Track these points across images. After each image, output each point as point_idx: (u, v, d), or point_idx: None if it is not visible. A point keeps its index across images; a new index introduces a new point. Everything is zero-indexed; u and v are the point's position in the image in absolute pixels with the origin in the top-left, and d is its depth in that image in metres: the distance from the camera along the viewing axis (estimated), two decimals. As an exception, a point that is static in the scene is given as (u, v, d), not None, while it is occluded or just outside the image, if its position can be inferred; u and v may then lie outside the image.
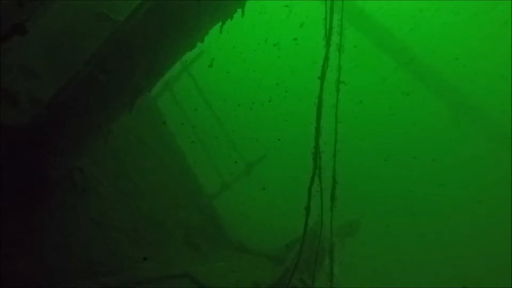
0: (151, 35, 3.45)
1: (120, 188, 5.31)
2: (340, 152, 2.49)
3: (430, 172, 19.13)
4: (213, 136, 7.82)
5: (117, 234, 4.81)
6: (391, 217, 15.50)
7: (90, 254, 4.31)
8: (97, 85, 3.62)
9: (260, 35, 21.55)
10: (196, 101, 7.54)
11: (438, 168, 19.01)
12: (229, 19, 3.33)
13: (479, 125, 12.50)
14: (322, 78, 2.41)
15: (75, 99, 3.70)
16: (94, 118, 3.86)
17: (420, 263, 13.77)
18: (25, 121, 4.07)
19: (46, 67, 5.46)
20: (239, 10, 3.35)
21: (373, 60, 15.90)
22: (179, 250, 5.62)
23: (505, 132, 12.67)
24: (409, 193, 17.72)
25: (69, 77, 3.78)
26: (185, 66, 7.32)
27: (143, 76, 3.79)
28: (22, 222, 3.84)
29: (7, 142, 4.00)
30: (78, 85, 3.71)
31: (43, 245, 3.92)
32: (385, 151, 19.04)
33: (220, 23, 3.41)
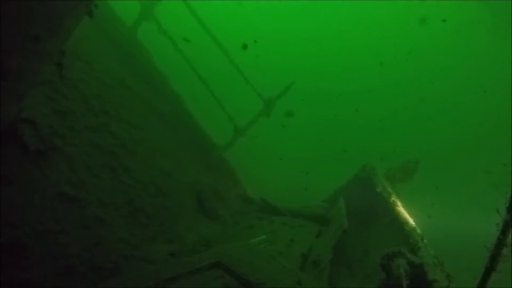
0: None
1: (99, 147, 3.74)
2: None
3: None
4: (215, 69, 6.07)
5: (102, 211, 3.33)
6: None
7: (67, 248, 2.87)
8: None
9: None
10: (189, 27, 5.74)
11: None
12: None
13: None
14: None
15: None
16: (30, 24, 2.20)
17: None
18: None
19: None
20: None
21: None
22: (192, 221, 4.23)
23: None
24: None
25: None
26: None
27: None
28: None
29: None
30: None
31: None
32: None
33: None
